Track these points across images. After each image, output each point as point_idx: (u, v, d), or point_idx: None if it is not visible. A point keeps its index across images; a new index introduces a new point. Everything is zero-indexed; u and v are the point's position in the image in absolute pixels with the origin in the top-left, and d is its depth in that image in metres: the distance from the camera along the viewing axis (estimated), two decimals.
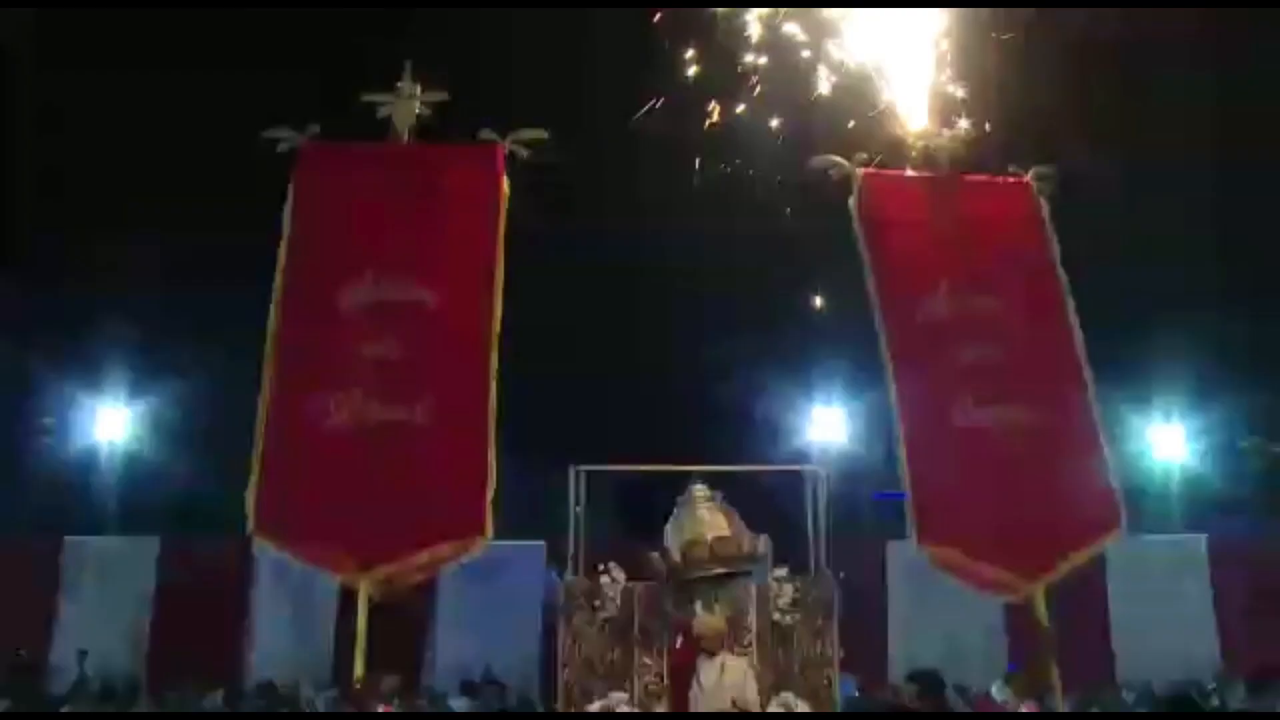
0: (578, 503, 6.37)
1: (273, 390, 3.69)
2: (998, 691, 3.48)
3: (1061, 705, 3.50)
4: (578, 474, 6.41)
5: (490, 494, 3.72)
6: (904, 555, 19.00)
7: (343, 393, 3.64)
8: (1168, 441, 18.72)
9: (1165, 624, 16.75)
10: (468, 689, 16.65)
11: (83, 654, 14.88)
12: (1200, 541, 18.53)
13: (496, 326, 3.83)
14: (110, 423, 20.66)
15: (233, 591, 17.66)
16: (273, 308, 3.77)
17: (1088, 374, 3.80)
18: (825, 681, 6.40)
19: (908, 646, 15.65)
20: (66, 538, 18.57)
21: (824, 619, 6.44)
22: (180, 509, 19.69)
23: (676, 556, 6.24)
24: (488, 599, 18.31)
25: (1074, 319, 3.87)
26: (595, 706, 6.05)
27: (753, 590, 6.47)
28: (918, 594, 18.10)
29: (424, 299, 3.78)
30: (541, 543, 17.03)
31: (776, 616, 6.40)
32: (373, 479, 3.61)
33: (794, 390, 19.86)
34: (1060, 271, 3.94)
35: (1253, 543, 19.75)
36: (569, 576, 6.47)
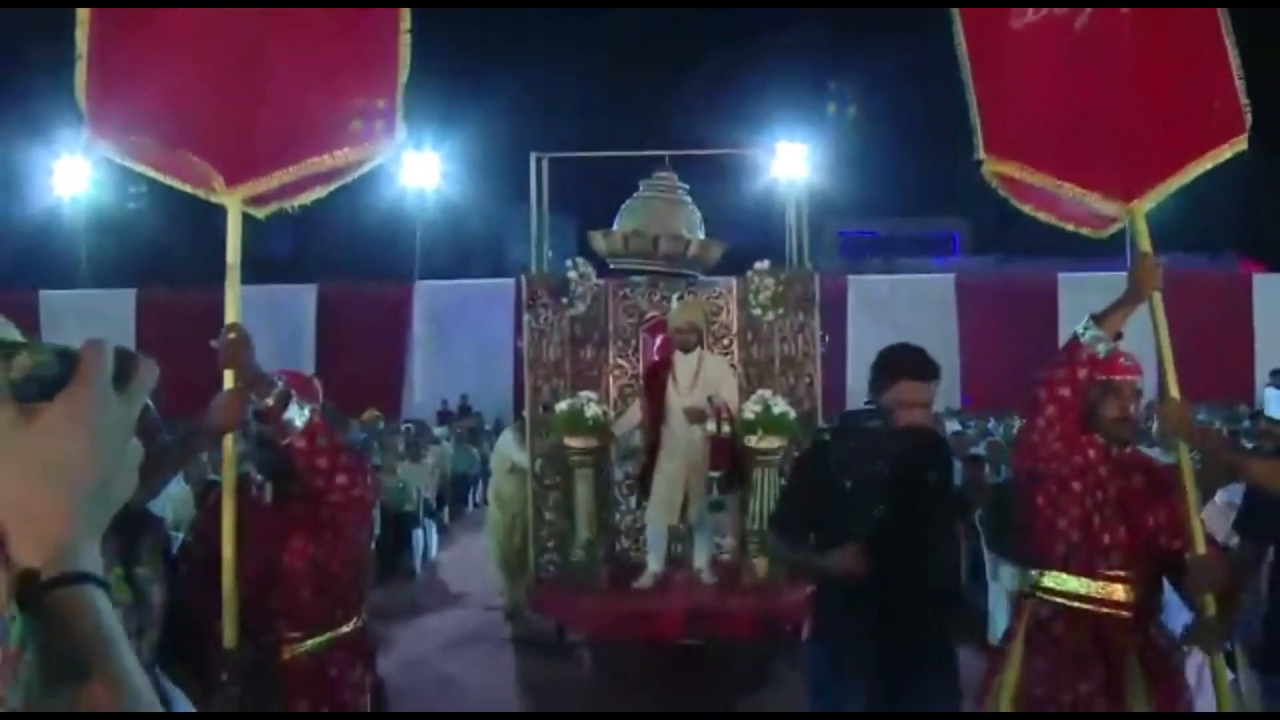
0: (539, 191, 5.41)
1: None
2: (1083, 329, 2.63)
3: (1167, 347, 2.63)
4: (538, 160, 5.42)
5: (403, 79, 2.57)
6: (861, 289, 18.63)
7: None
8: None
9: None
10: (444, 418, 16.34)
11: None
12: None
13: None
14: (71, 176, 19.01)
15: (213, 337, 16.93)
16: None
17: None
18: (806, 380, 5.70)
19: (865, 376, 15.31)
20: (42, 291, 17.57)
21: (805, 314, 5.66)
22: (152, 260, 18.57)
23: (619, 242, 5.36)
24: (460, 334, 17.74)
25: None
26: (563, 406, 5.30)
27: (732, 285, 5.65)
28: (874, 325, 17.78)
29: None
30: (511, 280, 16.26)
31: (756, 312, 5.59)
32: (247, 64, 2.49)
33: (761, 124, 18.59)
34: None
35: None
36: (532, 270, 5.59)
